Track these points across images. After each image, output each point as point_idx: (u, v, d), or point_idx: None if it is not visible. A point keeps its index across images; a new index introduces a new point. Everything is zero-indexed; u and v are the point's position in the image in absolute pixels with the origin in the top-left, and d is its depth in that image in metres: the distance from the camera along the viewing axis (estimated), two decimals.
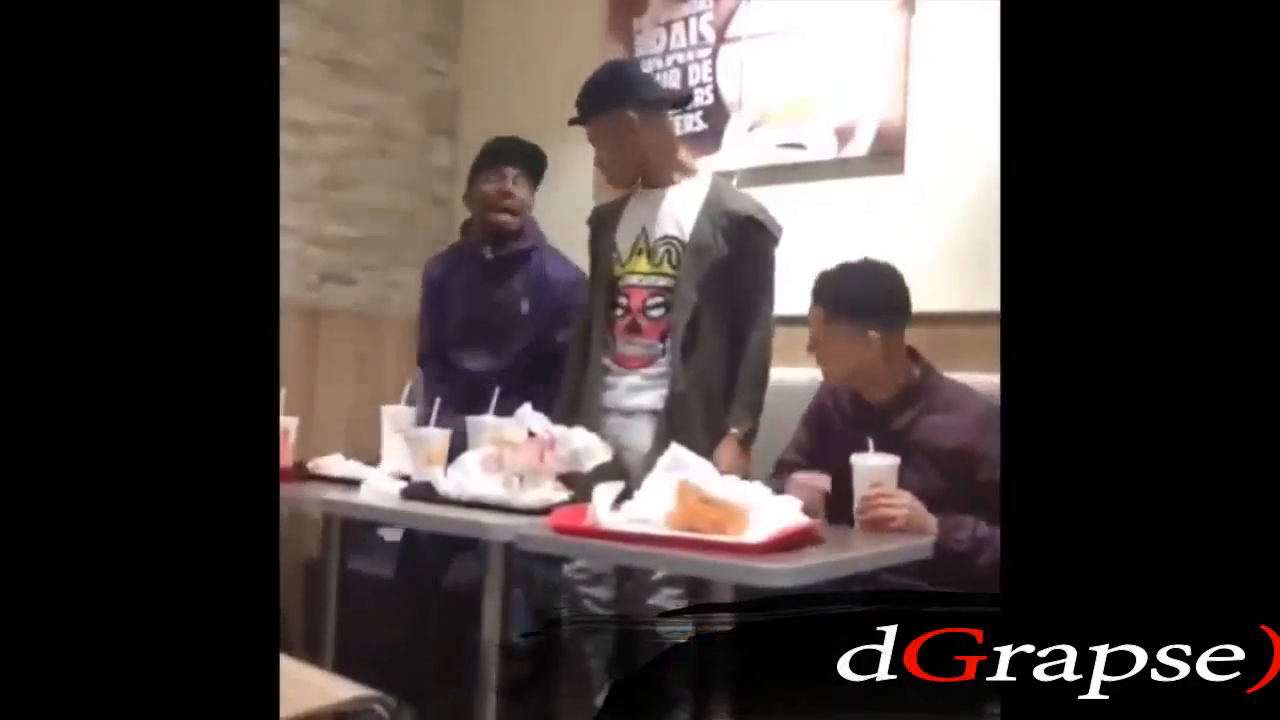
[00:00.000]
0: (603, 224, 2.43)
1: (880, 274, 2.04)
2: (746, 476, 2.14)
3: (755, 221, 2.28)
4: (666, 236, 2.30)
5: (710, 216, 2.27)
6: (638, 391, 2.29)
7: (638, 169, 2.36)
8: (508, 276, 2.64)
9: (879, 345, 1.97)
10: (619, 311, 2.33)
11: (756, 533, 1.49)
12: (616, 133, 2.31)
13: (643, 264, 2.32)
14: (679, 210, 2.30)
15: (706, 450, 2.04)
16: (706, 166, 3.00)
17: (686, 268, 2.25)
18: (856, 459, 1.84)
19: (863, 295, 2.01)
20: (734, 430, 2.22)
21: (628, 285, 2.33)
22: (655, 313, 2.29)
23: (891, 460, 1.83)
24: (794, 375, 2.61)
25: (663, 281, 2.29)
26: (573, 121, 2.36)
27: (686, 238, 2.27)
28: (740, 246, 2.26)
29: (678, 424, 2.20)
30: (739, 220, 2.26)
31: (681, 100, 2.73)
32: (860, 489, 1.82)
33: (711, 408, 2.24)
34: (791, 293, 2.80)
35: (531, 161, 2.69)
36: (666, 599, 2.19)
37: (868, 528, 1.78)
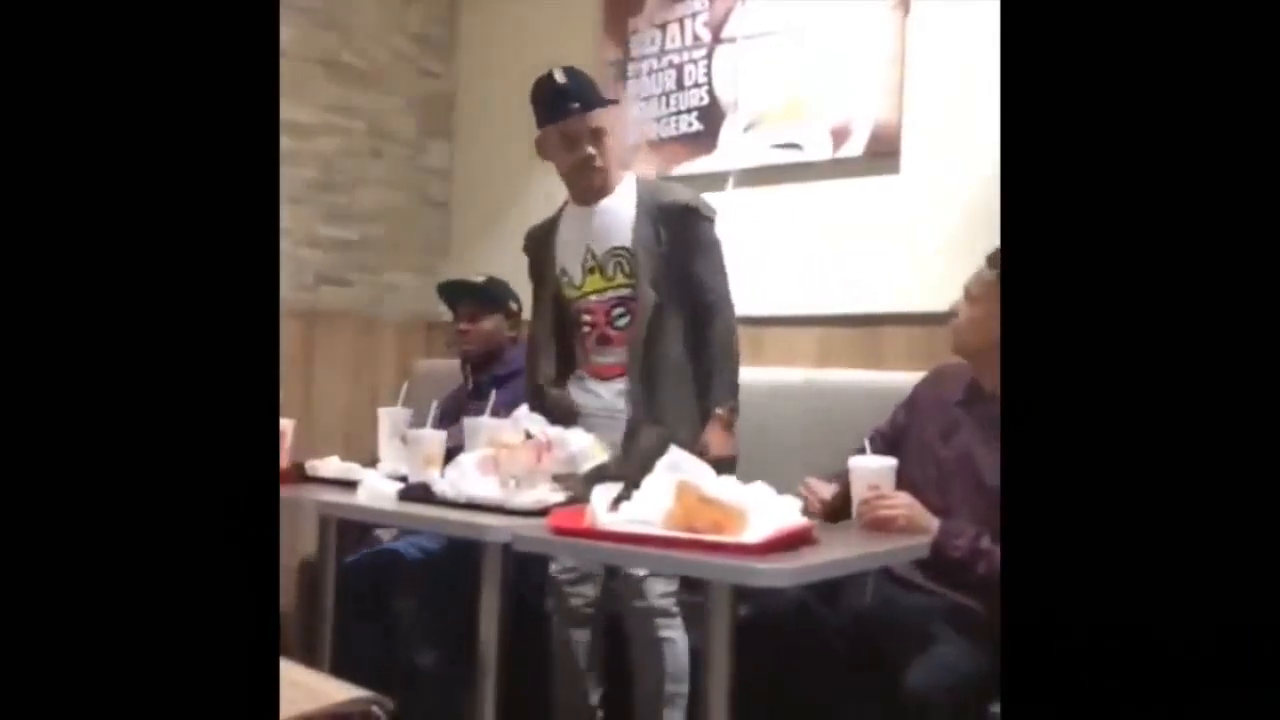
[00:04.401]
0: (541, 246, 2.45)
1: None
2: (733, 459, 2.16)
3: (689, 208, 2.30)
4: (613, 249, 2.32)
5: (647, 217, 2.29)
6: (624, 395, 2.32)
7: (607, 172, 2.34)
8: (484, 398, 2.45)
9: None
10: (585, 328, 2.37)
11: (754, 533, 1.49)
12: (608, 130, 2.33)
13: (597, 281, 2.35)
14: (616, 220, 2.32)
15: (687, 438, 2.07)
16: (702, 167, 3.03)
17: (640, 273, 2.28)
18: (854, 461, 1.85)
19: None
20: (719, 411, 2.24)
21: (587, 304, 2.36)
22: (622, 322, 2.33)
23: (889, 462, 1.84)
24: (788, 376, 2.62)
25: (623, 292, 2.32)
26: (567, 114, 2.27)
27: (630, 244, 2.29)
28: (682, 235, 2.29)
29: (647, 415, 2.24)
30: (674, 210, 2.29)
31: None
32: (858, 491, 1.82)
33: (682, 394, 2.26)
34: (787, 294, 2.82)
35: (481, 294, 2.86)
36: (659, 598, 2.20)
37: (868, 529, 1.78)
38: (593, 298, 2.35)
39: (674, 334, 2.27)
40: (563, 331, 2.42)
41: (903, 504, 1.80)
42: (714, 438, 2.20)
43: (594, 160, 2.30)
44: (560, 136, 2.30)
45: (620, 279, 2.31)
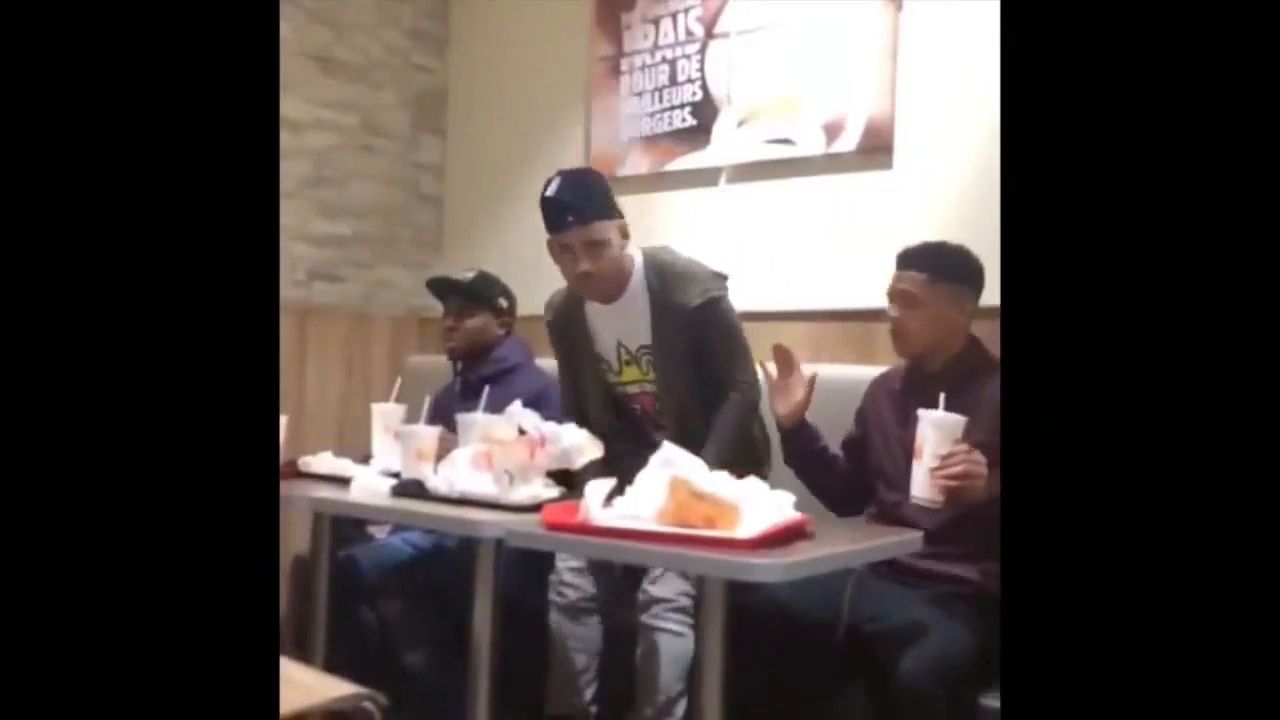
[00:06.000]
0: (569, 324, 2.40)
1: (967, 252, 2.06)
2: None
3: (702, 307, 2.24)
4: (642, 347, 2.32)
5: (662, 317, 2.26)
6: None
7: (617, 282, 2.28)
8: (473, 396, 2.43)
9: (968, 314, 2.02)
10: (637, 412, 2.39)
11: (748, 528, 1.49)
12: (609, 243, 2.22)
13: (635, 373, 2.35)
14: (635, 318, 2.30)
15: None
16: (695, 163, 3.03)
17: (660, 375, 2.29)
18: (929, 414, 1.74)
19: (960, 265, 2.04)
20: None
21: (631, 393, 2.37)
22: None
23: (962, 418, 1.75)
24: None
25: (658, 388, 2.33)
26: (563, 228, 2.20)
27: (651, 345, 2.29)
28: (700, 333, 2.26)
29: None
30: (688, 312, 2.24)
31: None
32: (940, 446, 1.72)
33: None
34: (780, 289, 2.82)
35: (466, 292, 2.78)
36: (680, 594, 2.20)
37: (952, 485, 1.71)
38: (633, 388, 2.36)
39: (695, 409, 2.27)
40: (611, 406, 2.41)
41: (983, 459, 1.73)
42: None
43: (590, 276, 2.23)
44: (559, 248, 2.24)
45: (653, 375, 2.32)
